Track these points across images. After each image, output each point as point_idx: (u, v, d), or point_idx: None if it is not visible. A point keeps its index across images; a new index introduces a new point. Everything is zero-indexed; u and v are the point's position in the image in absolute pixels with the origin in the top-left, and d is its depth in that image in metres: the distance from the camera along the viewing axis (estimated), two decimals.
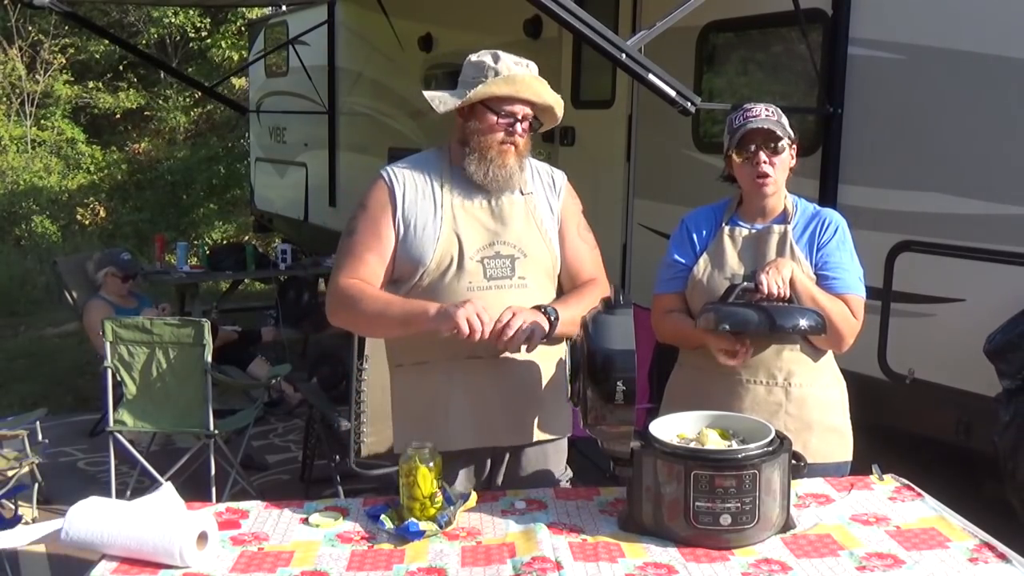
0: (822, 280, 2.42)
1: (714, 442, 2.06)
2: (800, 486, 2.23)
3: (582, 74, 5.70)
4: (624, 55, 3.66)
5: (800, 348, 2.44)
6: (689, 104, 3.77)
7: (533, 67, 2.43)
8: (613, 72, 5.26)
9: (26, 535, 2.03)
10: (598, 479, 2.55)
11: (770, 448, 2.00)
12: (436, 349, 2.35)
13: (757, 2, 4.47)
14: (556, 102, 2.43)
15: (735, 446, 2.04)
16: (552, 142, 5.86)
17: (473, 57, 2.43)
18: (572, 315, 2.31)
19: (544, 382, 2.43)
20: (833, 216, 2.50)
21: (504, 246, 2.37)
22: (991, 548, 1.95)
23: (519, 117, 2.38)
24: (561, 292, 2.50)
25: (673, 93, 3.74)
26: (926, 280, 3.81)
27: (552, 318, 2.29)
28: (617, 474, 2.09)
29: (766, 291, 2.31)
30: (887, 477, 2.33)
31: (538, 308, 2.30)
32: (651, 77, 3.71)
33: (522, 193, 2.44)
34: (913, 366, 3.84)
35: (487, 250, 2.37)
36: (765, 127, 2.41)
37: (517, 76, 2.37)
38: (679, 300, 2.53)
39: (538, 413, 2.44)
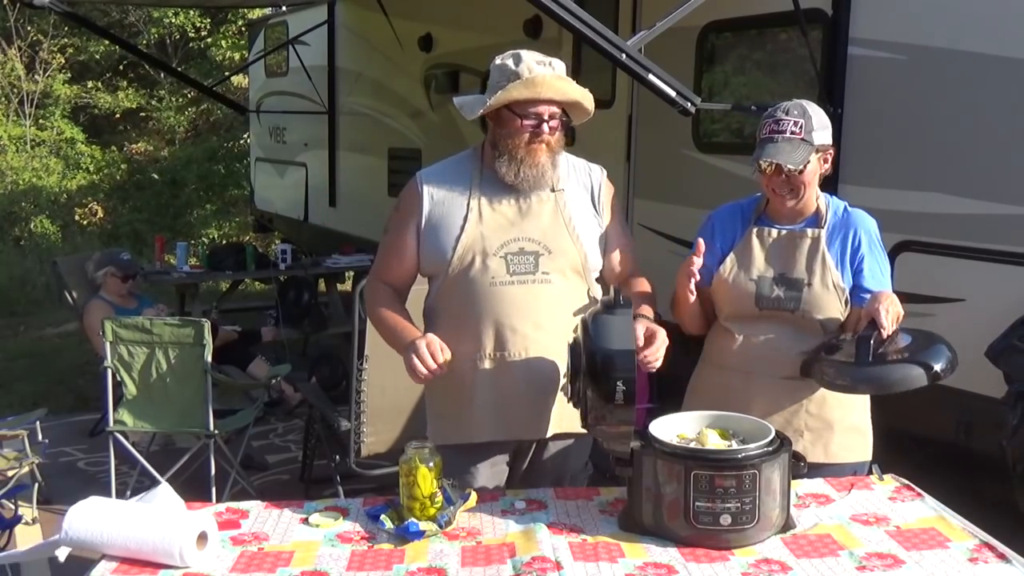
0: (859, 291, 2.41)
1: (714, 442, 2.06)
2: (800, 486, 2.23)
3: (582, 74, 5.69)
4: (624, 55, 3.67)
5: (813, 351, 2.43)
6: (689, 104, 3.78)
7: (558, 64, 2.43)
8: (613, 72, 5.26)
9: (23, 554, 2.03)
10: (598, 479, 2.54)
11: (770, 448, 1.99)
12: (464, 343, 2.40)
13: (757, 2, 4.47)
14: (583, 97, 2.42)
15: (735, 446, 2.04)
16: None
17: (497, 60, 2.44)
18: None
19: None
20: (863, 221, 2.46)
21: (528, 242, 2.40)
22: (991, 548, 1.95)
23: (545, 117, 2.38)
24: (601, 287, 2.53)
25: (673, 93, 3.75)
26: (926, 280, 3.80)
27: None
28: (617, 474, 2.08)
29: (886, 335, 2.25)
30: (887, 477, 2.33)
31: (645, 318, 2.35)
32: (651, 77, 3.72)
33: (552, 190, 2.45)
34: None
35: (510, 246, 2.39)
36: (777, 160, 2.33)
37: (537, 78, 2.36)
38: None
39: (562, 408, 2.44)
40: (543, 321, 2.39)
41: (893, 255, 3.86)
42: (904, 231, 3.86)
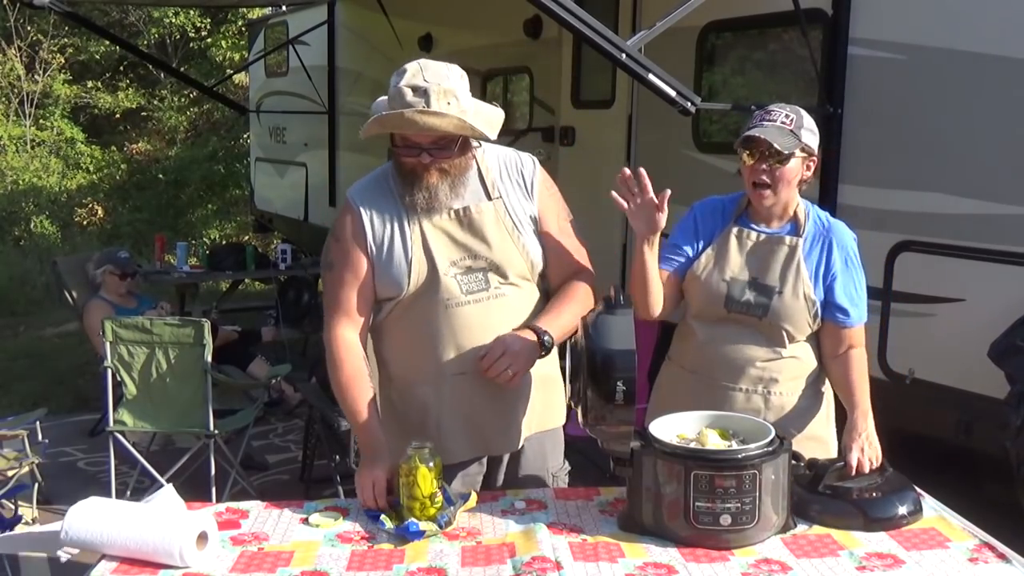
0: (834, 310, 2.39)
1: (714, 442, 2.06)
2: None
3: (582, 74, 5.70)
4: (624, 55, 3.66)
5: (783, 356, 2.42)
6: (689, 104, 3.77)
7: (438, 86, 2.18)
8: (613, 72, 5.26)
9: (25, 541, 2.03)
10: (598, 479, 2.54)
11: (770, 448, 1.99)
12: (423, 366, 2.32)
13: (757, 2, 4.47)
14: (458, 128, 2.19)
15: (735, 446, 2.04)
16: (552, 142, 5.86)
17: (395, 73, 2.25)
18: (565, 325, 2.31)
19: (535, 382, 2.41)
20: (843, 235, 2.42)
21: (475, 260, 2.30)
22: (991, 548, 1.95)
23: (424, 146, 2.22)
24: (549, 287, 2.45)
25: (673, 93, 3.74)
26: (926, 280, 3.81)
27: (546, 345, 2.26)
28: (617, 474, 2.08)
29: (854, 471, 2.20)
30: None
31: (534, 331, 2.27)
32: (651, 77, 3.71)
33: (489, 198, 2.33)
34: (913, 366, 3.84)
35: (458, 266, 2.30)
36: (766, 137, 2.32)
37: (396, 115, 2.17)
38: (665, 276, 2.47)
39: (532, 414, 2.42)
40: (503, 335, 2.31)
41: (893, 255, 3.88)
42: (904, 231, 3.86)
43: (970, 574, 1.86)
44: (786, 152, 2.33)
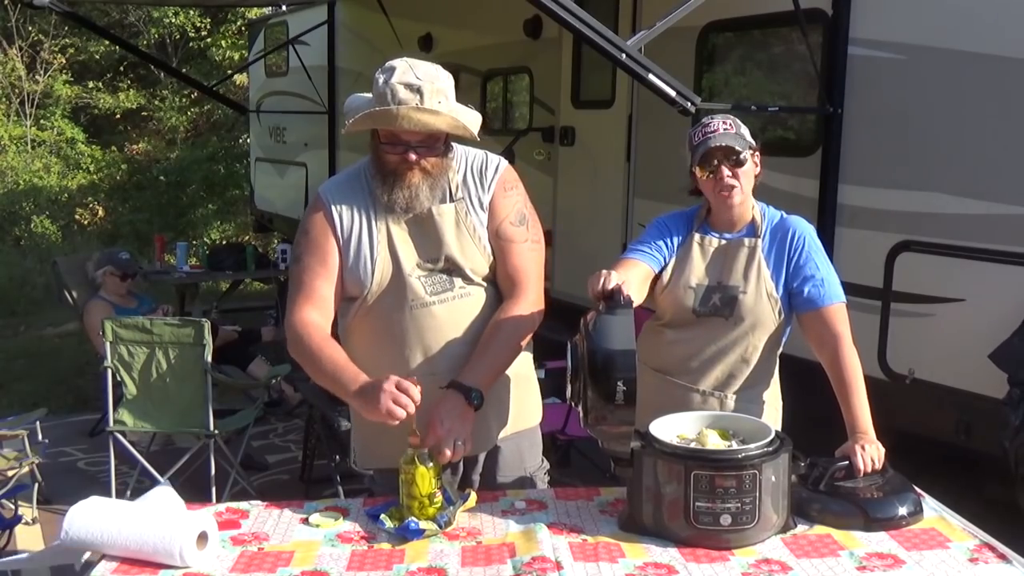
0: (806, 293, 2.40)
1: (714, 442, 2.06)
2: None
3: (582, 74, 5.70)
4: (624, 55, 3.67)
5: (747, 358, 2.44)
6: (689, 104, 3.78)
7: (431, 84, 2.20)
8: (613, 72, 5.27)
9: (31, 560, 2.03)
10: (598, 479, 2.54)
11: (770, 448, 1.99)
12: (392, 368, 2.27)
13: (757, 2, 4.47)
14: (451, 127, 2.22)
15: (735, 446, 2.04)
16: (552, 142, 5.87)
17: (380, 70, 2.24)
18: (492, 368, 2.27)
19: (509, 383, 2.40)
20: (799, 225, 2.47)
21: (438, 261, 2.30)
22: (991, 548, 1.95)
23: (412, 144, 2.23)
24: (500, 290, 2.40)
25: (673, 93, 3.75)
26: (926, 280, 3.81)
27: (476, 404, 2.21)
28: (617, 474, 2.08)
29: (862, 472, 2.17)
30: None
31: (459, 388, 2.21)
32: (651, 77, 3.72)
33: (452, 200, 2.33)
34: (913, 366, 3.84)
35: (421, 267, 2.30)
36: (724, 144, 2.38)
37: (392, 111, 2.17)
38: (632, 264, 2.44)
39: (506, 414, 2.41)
40: (470, 336, 2.31)
41: (893, 255, 3.88)
42: (904, 231, 3.86)
43: (970, 574, 1.86)
44: (745, 152, 2.40)
